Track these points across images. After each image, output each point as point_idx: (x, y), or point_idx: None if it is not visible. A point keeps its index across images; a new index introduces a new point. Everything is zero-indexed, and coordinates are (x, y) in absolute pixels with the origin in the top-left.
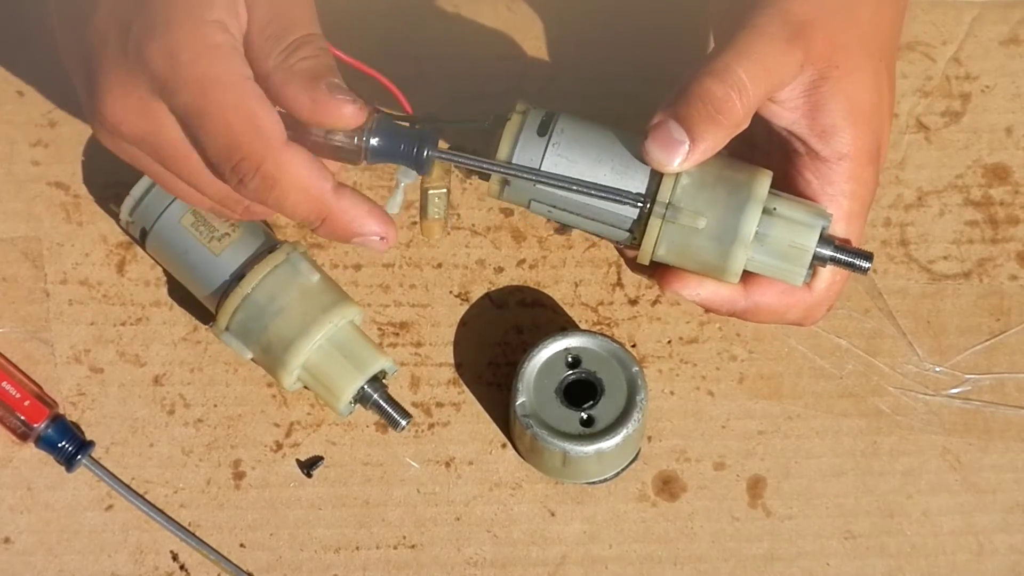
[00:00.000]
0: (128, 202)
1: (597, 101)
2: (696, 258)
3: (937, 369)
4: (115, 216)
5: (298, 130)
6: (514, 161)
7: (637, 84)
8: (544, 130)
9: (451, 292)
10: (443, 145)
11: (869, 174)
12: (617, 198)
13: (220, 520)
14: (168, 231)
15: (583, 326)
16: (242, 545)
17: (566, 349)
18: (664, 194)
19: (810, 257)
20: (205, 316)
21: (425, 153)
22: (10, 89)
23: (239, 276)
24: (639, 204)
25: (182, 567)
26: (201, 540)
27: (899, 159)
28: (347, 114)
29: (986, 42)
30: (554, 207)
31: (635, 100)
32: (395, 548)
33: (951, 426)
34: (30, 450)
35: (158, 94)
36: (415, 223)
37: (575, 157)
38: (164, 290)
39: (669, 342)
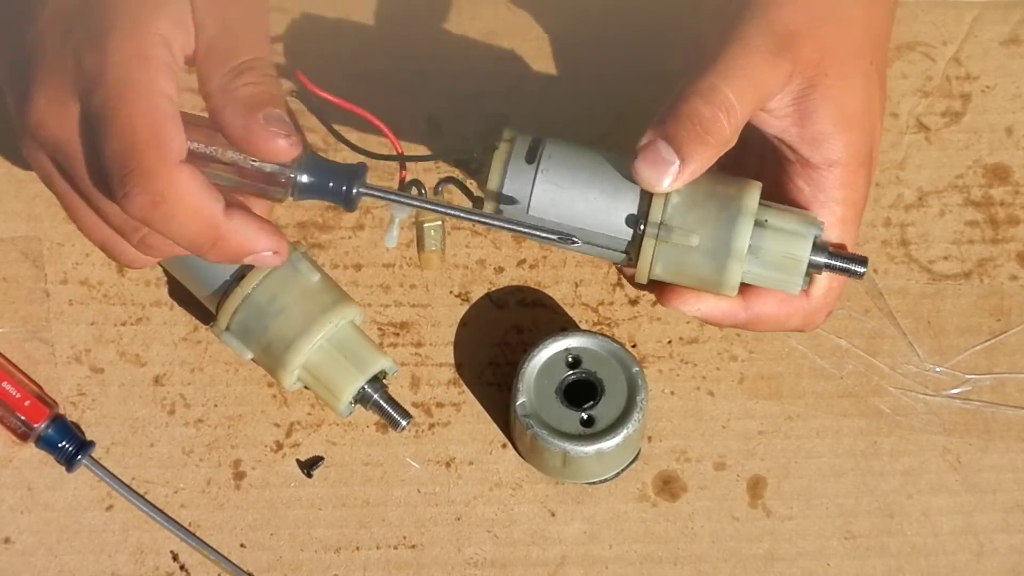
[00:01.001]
0: None
1: (598, 101)
2: (693, 275)
3: (937, 369)
4: None
5: (227, 163)
6: (505, 191)
7: (637, 84)
8: (532, 157)
9: (451, 292)
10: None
11: (861, 179)
12: (608, 246)
13: (220, 520)
14: None
15: (583, 326)
16: (242, 545)
17: (566, 349)
18: (656, 214)
19: (805, 266)
20: (205, 316)
21: (354, 191)
22: None
23: (239, 276)
24: (631, 229)
25: (182, 567)
26: (201, 540)
27: (899, 159)
28: (278, 148)
29: (986, 42)
30: (545, 231)
31: (636, 100)
32: (395, 548)
33: (951, 426)
34: (30, 450)
35: (79, 94)
36: (415, 223)
37: (564, 182)
38: (164, 290)
39: (669, 342)
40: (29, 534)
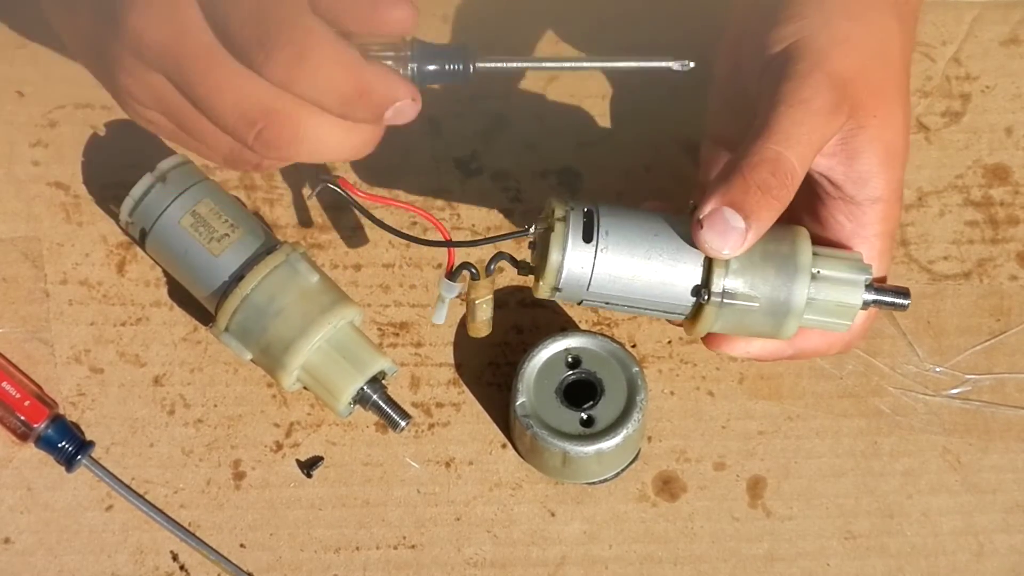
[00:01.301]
0: (128, 203)
1: (598, 101)
2: (750, 330)
3: (937, 369)
4: (115, 216)
5: None
6: (565, 274)
7: (638, 83)
8: (589, 235)
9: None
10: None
11: (897, 210)
12: (668, 311)
13: (220, 520)
14: (167, 232)
15: (583, 326)
16: (242, 545)
17: (566, 349)
18: (718, 284)
19: (857, 311)
20: (205, 316)
21: (471, 67)
22: (10, 89)
23: (238, 277)
24: (693, 298)
25: (182, 567)
26: (201, 540)
27: None
28: (404, 17)
29: (986, 42)
30: (607, 303)
31: (637, 100)
32: (395, 548)
33: (951, 426)
34: (30, 450)
35: None
36: (415, 223)
37: (624, 259)
38: (164, 290)
39: (669, 342)
40: (29, 534)
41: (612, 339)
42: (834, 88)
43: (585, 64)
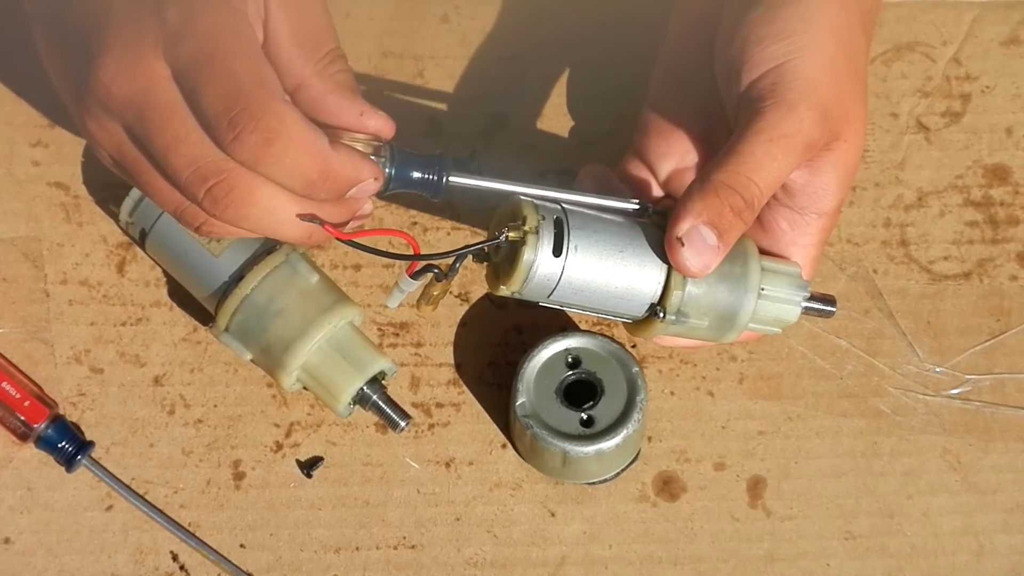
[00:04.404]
0: (127, 203)
1: (598, 101)
2: (692, 337)
3: (937, 369)
4: (115, 217)
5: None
6: (530, 284)
7: (639, 83)
8: (559, 250)
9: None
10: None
11: (834, 224)
12: (620, 318)
13: (220, 520)
14: (168, 232)
15: (583, 326)
16: (242, 545)
17: (566, 349)
18: (674, 305)
19: (790, 324)
20: (205, 317)
21: (444, 179)
22: (10, 89)
23: (238, 277)
24: (648, 313)
25: (182, 567)
26: (201, 540)
27: (899, 159)
28: (389, 124)
29: (986, 42)
30: (562, 306)
31: (636, 100)
32: (395, 548)
33: (951, 426)
34: (30, 450)
35: (163, 46)
36: (415, 223)
37: (589, 274)
38: (164, 290)
39: None
40: (29, 534)
41: (612, 339)
42: (817, 123)
43: (551, 194)
